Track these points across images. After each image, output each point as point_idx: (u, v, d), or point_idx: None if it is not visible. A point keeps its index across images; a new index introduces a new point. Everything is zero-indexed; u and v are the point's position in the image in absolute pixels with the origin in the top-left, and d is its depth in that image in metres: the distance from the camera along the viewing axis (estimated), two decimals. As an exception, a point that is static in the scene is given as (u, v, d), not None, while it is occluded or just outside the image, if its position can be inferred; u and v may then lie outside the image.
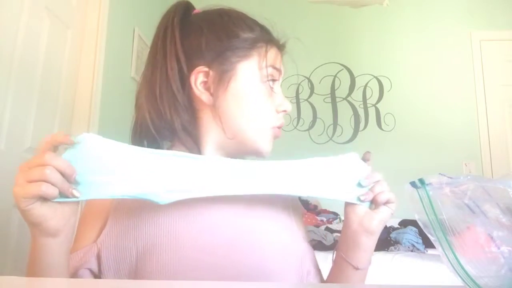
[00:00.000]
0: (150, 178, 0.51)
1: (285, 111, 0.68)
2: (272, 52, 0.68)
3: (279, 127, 0.68)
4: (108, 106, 2.19)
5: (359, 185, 0.61)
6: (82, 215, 0.65)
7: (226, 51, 0.65)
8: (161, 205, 0.52)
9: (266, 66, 0.66)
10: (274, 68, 0.67)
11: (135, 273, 0.57)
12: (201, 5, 0.71)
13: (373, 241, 0.63)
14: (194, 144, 0.66)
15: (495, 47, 3.23)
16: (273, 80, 0.67)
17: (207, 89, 0.65)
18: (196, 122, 0.66)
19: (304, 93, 3.29)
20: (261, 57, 0.66)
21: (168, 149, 0.68)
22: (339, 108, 3.28)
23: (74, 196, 0.48)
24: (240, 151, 0.67)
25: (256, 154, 0.68)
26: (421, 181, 0.36)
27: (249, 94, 0.65)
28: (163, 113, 0.64)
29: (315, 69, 3.29)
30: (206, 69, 0.64)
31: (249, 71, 0.65)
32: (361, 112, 3.26)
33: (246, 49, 0.66)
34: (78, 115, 2.05)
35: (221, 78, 0.64)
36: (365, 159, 0.64)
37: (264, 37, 0.68)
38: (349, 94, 3.29)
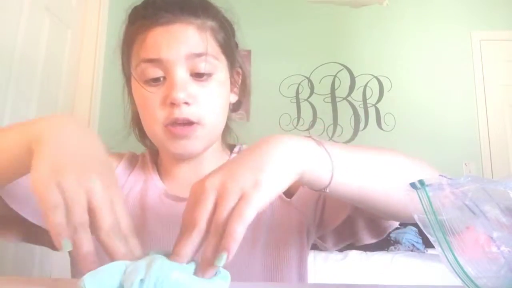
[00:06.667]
0: None
1: (172, 103, 0.56)
2: (148, 41, 0.57)
3: (173, 123, 0.57)
4: (108, 106, 2.19)
5: None
6: None
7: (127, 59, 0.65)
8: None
9: (135, 68, 0.60)
10: (149, 61, 0.57)
11: None
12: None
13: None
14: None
15: (495, 47, 3.23)
16: (156, 77, 0.57)
17: None
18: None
19: (304, 93, 3.28)
20: (134, 55, 0.60)
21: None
22: (339, 108, 3.27)
23: None
24: (171, 155, 0.63)
25: (179, 156, 0.62)
26: (421, 182, 0.36)
27: (136, 99, 0.62)
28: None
29: (315, 69, 3.28)
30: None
31: (133, 75, 0.60)
32: (361, 112, 3.26)
33: (129, 48, 0.63)
34: (78, 115, 2.05)
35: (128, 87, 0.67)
36: None
37: (138, 29, 0.59)
38: (349, 94, 3.29)
